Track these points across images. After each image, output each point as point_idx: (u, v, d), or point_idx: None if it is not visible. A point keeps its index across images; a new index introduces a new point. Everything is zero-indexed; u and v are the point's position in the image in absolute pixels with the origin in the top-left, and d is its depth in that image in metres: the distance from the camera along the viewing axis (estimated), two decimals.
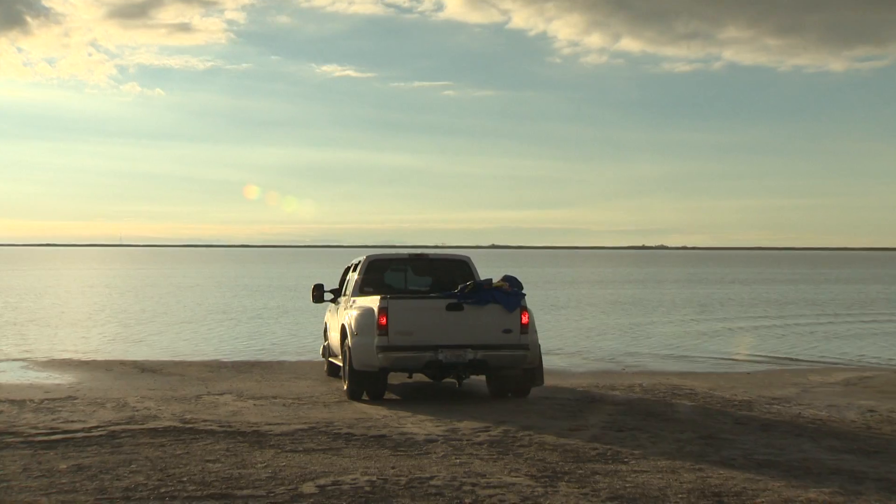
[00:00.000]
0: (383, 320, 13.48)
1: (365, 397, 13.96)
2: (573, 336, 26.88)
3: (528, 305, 13.84)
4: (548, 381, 16.60)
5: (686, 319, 33.64)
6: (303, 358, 20.77)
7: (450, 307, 13.64)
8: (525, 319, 13.69)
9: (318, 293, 16.86)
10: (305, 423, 11.66)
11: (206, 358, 20.87)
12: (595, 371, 18.92)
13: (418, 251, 16.31)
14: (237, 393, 14.66)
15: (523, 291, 14.01)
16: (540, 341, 14.28)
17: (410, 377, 16.09)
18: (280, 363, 19.67)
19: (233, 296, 47.30)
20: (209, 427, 11.28)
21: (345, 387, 14.33)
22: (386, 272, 15.80)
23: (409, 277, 15.88)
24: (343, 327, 14.66)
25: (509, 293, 13.77)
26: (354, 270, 16.10)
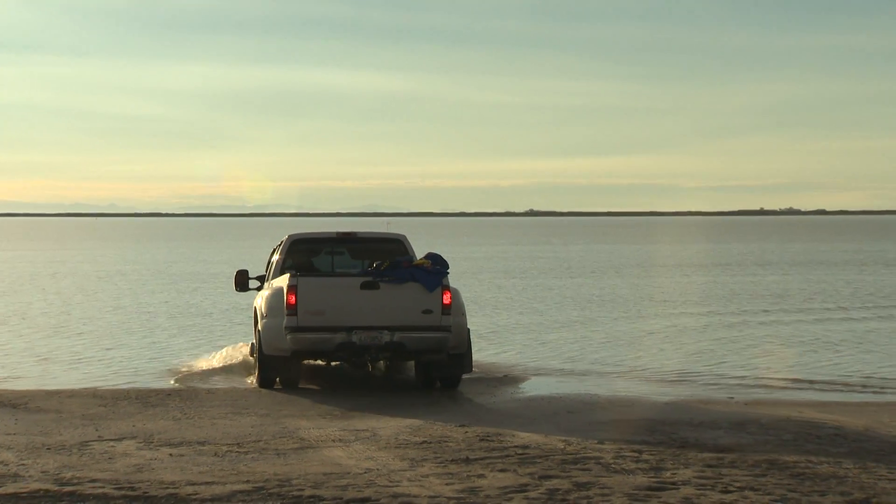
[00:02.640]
0: (292, 299, 17.77)
1: (278, 385, 18.53)
2: (662, 348, 26.96)
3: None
4: (617, 414, 16.64)
5: (845, 317, 33.56)
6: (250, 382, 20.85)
7: (364, 286, 18.07)
8: (447, 299, 17.99)
9: (241, 281, 21.37)
10: (249, 481, 11.74)
11: (96, 383, 20.91)
12: (688, 399, 19.00)
13: (347, 230, 20.81)
14: (144, 437, 14.76)
15: (447, 270, 18.38)
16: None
17: (328, 364, 20.79)
18: (211, 391, 19.66)
19: (187, 290, 47.16)
20: (100, 490, 11.35)
21: (256, 375, 19.07)
22: (311, 253, 20.65)
23: (338, 258, 20.60)
24: (255, 310, 19.30)
25: (430, 271, 18.10)
26: (278, 252, 20.59)
